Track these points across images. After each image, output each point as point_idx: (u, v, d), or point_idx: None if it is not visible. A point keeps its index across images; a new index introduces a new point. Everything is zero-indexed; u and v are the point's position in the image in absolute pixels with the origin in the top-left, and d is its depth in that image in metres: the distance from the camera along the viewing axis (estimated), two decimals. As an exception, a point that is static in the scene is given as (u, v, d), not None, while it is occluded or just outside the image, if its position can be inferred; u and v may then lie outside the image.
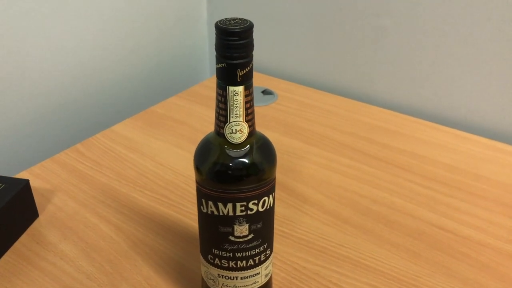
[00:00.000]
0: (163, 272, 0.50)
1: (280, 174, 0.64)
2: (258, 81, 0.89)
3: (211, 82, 0.92)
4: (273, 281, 0.48)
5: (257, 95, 0.85)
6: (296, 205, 0.59)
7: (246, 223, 0.38)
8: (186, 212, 0.58)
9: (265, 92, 0.86)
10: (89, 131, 0.78)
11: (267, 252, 0.41)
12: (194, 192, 0.61)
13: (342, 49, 0.86)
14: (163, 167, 0.66)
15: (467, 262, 0.51)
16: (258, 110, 0.76)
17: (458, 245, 0.53)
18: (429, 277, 0.49)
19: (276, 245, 0.52)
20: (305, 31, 0.89)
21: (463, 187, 0.62)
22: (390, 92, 0.83)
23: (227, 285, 0.41)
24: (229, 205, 0.37)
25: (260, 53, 0.96)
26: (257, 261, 0.40)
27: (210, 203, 0.37)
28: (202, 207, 0.38)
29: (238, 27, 0.33)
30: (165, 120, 0.78)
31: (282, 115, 0.79)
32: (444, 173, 0.65)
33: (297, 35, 0.90)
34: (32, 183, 0.61)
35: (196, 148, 0.39)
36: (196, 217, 0.57)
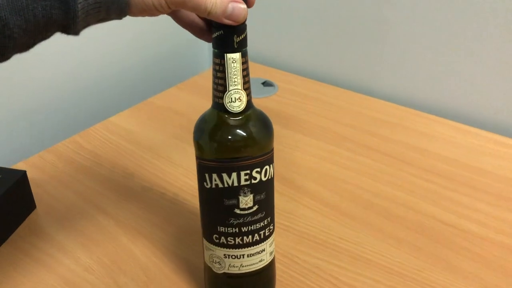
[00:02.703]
0: (162, 265, 0.49)
1: (281, 167, 0.63)
2: (259, 72, 0.89)
3: (210, 72, 0.91)
4: (273, 274, 0.47)
5: (257, 86, 0.84)
6: (296, 198, 0.58)
7: (251, 193, 0.38)
8: (185, 205, 0.57)
9: (266, 83, 0.85)
10: (87, 122, 0.77)
11: (271, 227, 0.41)
12: (193, 184, 0.60)
13: (344, 41, 0.85)
14: (162, 158, 0.65)
15: (468, 257, 0.50)
16: (258, 102, 0.75)
17: (459, 239, 0.53)
18: (430, 271, 0.49)
19: (276, 238, 0.52)
20: (306, 22, 0.88)
21: (465, 181, 0.61)
22: (392, 85, 0.83)
23: (233, 266, 0.41)
24: (234, 175, 0.37)
25: (261, 44, 0.95)
26: (262, 236, 0.40)
27: (214, 175, 0.37)
28: (205, 183, 0.38)
29: None
30: (164, 111, 0.77)
31: (283, 107, 0.78)
32: (446, 166, 0.64)
33: (298, 26, 0.89)
34: (29, 174, 0.60)
35: (195, 124, 0.39)
36: (196, 209, 0.56)
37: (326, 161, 0.65)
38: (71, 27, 0.32)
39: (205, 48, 1.02)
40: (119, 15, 0.34)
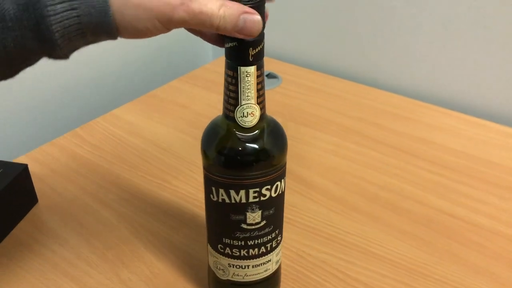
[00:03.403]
0: (166, 259, 0.48)
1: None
2: (262, 64, 0.87)
3: (213, 65, 0.90)
4: (279, 269, 0.46)
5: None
6: (302, 191, 0.57)
7: (259, 210, 0.36)
8: (189, 198, 0.56)
9: (269, 75, 0.84)
10: (89, 115, 0.76)
11: (278, 238, 0.40)
12: (197, 177, 0.59)
13: (349, 32, 0.83)
14: (165, 151, 0.65)
15: (478, 250, 0.49)
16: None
17: (468, 233, 0.52)
18: (438, 266, 0.48)
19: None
20: (310, 12, 0.86)
21: (473, 174, 0.60)
22: (398, 76, 0.81)
23: (238, 274, 0.40)
24: (242, 192, 0.35)
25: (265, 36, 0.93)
26: (269, 248, 0.39)
27: (221, 191, 0.36)
28: (211, 196, 0.37)
29: (250, 2, 0.31)
30: (166, 104, 0.76)
31: (287, 100, 0.77)
32: (454, 159, 0.63)
33: (302, 17, 0.88)
34: (31, 168, 0.60)
35: (204, 134, 0.37)
36: (199, 203, 0.55)
37: (331, 154, 0.64)
38: (54, 54, 0.30)
39: (208, 40, 1.01)
40: (111, 37, 0.31)
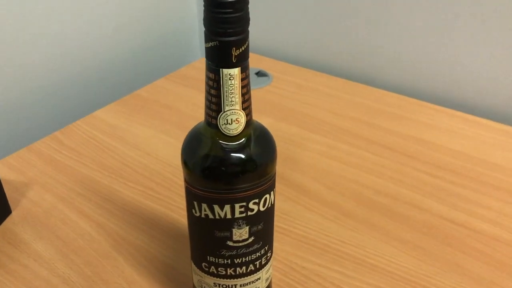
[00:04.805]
0: (148, 275, 0.45)
1: (276, 164, 0.59)
2: (252, 62, 0.84)
3: (202, 63, 0.86)
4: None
5: (251, 77, 0.79)
6: (293, 197, 0.54)
7: (246, 226, 0.33)
8: (174, 207, 0.53)
9: (260, 73, 0.81)
10: (69, 117, 0.72)
11: (268, 255, 0.37)
12: (183, 183, 0.56)
13: (343, 27, 0.80)
14: (149, 156, 0.61)
15: (480, 259, 0.47)
16: (252, 93, 0.71)
17: (470, 240, 0.49)
18: (440, 277, 0.45)
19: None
20: (302, 7, 0.83)
21: (474, 176, 0.58)
22: (394, 74, 0.79)
23: None
24: (227, 207, 0.32)
25: (254, 32, 0.90)
26: (257, 266, 0.36)
27: (204, 205, 0.32)
28: (193, 211, 0.33)
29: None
30: (151, 105, 0.73)
31: (278, 99, 0.74)
32: (454, 160, 0.60)
33: (293, 12, 0.85)
34: (5, 175, 0.56)
35: (184, 142, 0.34)
36: (184, 212, 0.52)
37: (325, 156, 0.61)
38: None
39: (196, 36, 0.97)
40: None
